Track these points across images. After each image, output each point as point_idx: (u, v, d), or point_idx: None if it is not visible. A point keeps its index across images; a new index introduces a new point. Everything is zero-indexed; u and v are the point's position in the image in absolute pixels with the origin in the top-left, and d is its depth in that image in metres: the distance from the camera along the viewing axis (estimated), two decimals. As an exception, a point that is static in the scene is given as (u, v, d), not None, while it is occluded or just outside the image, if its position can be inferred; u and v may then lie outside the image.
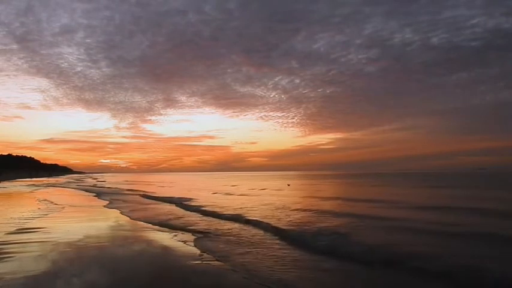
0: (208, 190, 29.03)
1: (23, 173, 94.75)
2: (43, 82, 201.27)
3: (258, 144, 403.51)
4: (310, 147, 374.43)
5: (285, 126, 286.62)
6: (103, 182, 52.13)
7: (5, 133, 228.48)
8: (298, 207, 14.51)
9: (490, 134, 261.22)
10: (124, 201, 19.60)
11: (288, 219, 11.10)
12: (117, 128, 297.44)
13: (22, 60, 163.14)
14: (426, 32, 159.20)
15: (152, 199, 20.93)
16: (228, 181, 54.10)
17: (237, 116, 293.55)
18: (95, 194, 25.50)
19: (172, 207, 15.87)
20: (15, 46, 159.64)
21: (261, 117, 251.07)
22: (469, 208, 13.52)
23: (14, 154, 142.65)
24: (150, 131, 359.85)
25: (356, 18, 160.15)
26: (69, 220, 11.90)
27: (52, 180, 65.78)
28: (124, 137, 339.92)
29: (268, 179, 67.38)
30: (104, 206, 16.71)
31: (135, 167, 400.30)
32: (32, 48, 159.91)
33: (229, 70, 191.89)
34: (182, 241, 8.36)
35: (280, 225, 9.94)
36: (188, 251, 7.41)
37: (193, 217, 12.42)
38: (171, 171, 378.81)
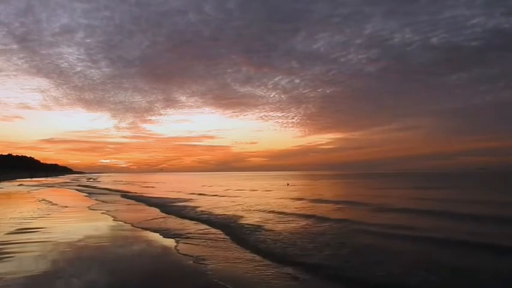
0: (189, 191, 29.32)
1: (23, 173, 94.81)
2: (43, 82, 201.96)
3: (258, 144, 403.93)
4: (310, 147, 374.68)
5: (285, 126, 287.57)
6: (98, 183, 52.79)
7: (5, 133, 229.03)
8: (263, 209, 14.95)
9: (490, 134, 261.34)
10: (111, 202, 20.09)
11: (244, 220, 11.58)
12: (117, 128, 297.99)
13: (22, 60, 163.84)
14: (426, 32, 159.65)
15: (135, 200, 21.40)
16: (216, 181, 54.79)
17: (237, 116, 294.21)
18: (86, 194, 26.07)
19: (152, 209, 16.28)
20: (15, 46, 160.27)
21: (261, 117, 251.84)
22: (446, 212, 13.31)
23: (14, 154, 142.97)
24: (150, 131, 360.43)
25: (356, 18, 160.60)
26: (66, 221, 12.18)
27: (50, 180, 66.40)
28: (124, 137, 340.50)
29: (261, 179, 67.90)
30: (93, 206, 17.01)
31: (135, 167, 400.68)
32: (32, 48, 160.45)
33: (229, 70, 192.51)
34: (161, 242, 8.64)
35: (237, 226, 10.48)
36: (164, 251, 7.64)
37: (168, 218, 12.85)
38: (171, 171, 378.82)
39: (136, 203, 19.50)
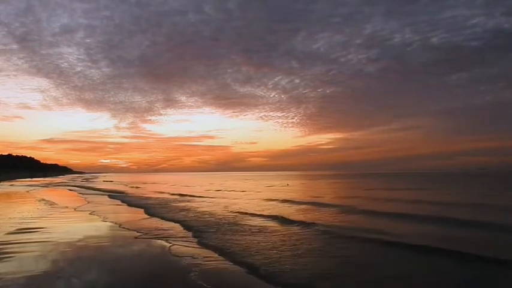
0: (172, 191, 29.56)
1: (23, 173, 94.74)
2: (43, 82, 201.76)
3: (258, 144, 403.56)
4: (310, 147, 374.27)
5: (285, 126, 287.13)
6: (91, 183, 53.36)
7: (5, 133, 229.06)
8: (234, 209, 15.37)
9: (490, 134, 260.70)
10: (99, 202, 20.28)
11: (203, 219, 12.13)
12: (117, 128, 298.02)
13: (22, 60, 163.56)
14: (426, 32, 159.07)
15: (120, 200, 21.59)
16: (204, 182, 55.20)
17: (237, 116, 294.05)
18: (77, 195, 26.60)
19: (136, 211, 16.38)
20: (15, 46, 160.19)
21: (261, 117, 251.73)
22: (420, 216, 12.84)
23: (14, 154, 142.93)
24: (150, 131, 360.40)
25: (356, 18, 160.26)
26: (54, 221, 12.29)
27: (47, 180, 66.94)
28: (124, 137, 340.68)
29: (255, 179, 68.22)
30: (81, 207, 17.11)
31: (135, 167, 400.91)
32: (32, 48, 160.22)
33: (229, 70, 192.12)
34: (154, 243, 8.83)
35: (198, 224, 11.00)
36: (148, 250, 7.95)
37: (151, 219, 13.12)
38: (171, 171, 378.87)
39: (122, 203, 19.69)
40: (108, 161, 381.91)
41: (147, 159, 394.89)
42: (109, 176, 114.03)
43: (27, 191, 29.98)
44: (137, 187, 38.97)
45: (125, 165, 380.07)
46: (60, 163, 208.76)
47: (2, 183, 47.64)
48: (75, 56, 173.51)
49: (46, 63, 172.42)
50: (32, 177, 78.78)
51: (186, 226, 11.03)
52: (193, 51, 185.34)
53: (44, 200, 21.29)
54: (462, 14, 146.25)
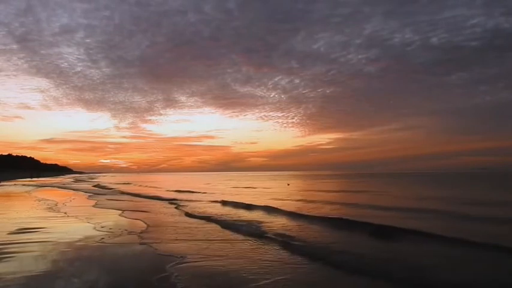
0: (153, 194, 28.52)
1: (23, 172, 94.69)
2: (43, 82, 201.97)
3: (258, 144, 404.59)
4: (310, 147, 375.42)
5: (285, 126, 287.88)
6: (81, 183, 53.72)
7: (5, 133, 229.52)
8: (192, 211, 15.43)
9: (490, 134, 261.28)
10: (80, 204, 20.41)
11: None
12: (117, 128, 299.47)
13: (22, 60, 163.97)
14: (426, 32, 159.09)
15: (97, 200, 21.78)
16: (194, 183, 54.52)
17: (237, 116, 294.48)
18: (63, 194, 27.13)
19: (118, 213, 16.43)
20: (15, 46, 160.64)
21: (261, 117, 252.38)
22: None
23: (14, 154, 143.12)
24: (150, 131, 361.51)
25: (356, 18, 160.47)
26: (42, 221, 12.22)
27: (43, 180, 67.13)
28: (124, 137, 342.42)
29: (250, 179, 68.24)
30: (61, 208, 17.03)
31: (135, 167, 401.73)
32: (31, 48, 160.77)
33: (229, 70, 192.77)
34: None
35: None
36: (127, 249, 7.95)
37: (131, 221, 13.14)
38: (171, 172, 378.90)
39: (103, 204, 19.76)
40: (108, 161, 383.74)
41: (147, 159, 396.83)
42: (103, 177, 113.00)
43: (7, 192, 30.00)
44: (111, 188, 38.66)
45: (125, 165, 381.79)
46: (60, 163, 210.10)
47: (3, 182, 47.59)
48: (75, 56, 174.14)
49: (46, 63, 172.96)
50: (31, 177, 78.74)
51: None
52: (193, 51, 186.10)
53: (25, 200, 21.33)
54: (462, 14, 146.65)
